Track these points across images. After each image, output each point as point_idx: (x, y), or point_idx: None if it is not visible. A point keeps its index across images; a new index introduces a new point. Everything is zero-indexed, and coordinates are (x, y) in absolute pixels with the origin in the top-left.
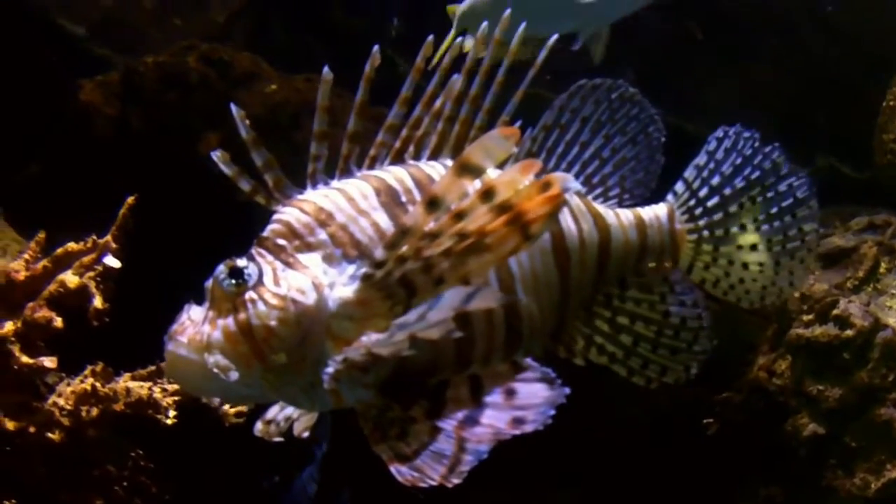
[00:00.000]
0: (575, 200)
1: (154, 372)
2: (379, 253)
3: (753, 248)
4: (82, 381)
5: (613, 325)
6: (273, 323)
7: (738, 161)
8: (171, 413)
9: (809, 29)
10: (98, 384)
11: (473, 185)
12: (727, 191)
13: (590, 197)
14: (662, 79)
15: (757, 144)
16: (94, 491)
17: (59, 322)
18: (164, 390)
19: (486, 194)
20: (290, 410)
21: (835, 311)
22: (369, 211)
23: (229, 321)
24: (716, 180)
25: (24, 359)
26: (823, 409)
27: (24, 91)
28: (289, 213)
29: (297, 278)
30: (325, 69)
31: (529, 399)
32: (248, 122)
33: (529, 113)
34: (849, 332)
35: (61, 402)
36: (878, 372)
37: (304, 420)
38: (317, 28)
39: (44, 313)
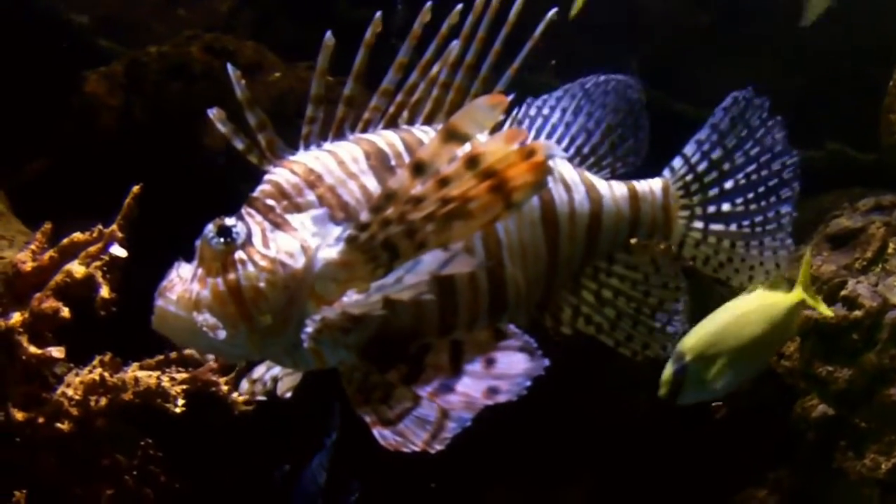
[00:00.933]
0: (568, 171)
1: (162, 361)
2: (364, 216)
3: (740, 226)
4: (90, 371)
5: (599, 298)
6: (261, 285)
7: (744, 133)
8: (180, 402)
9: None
10: (106, 374)
11: (459, 152)
12: (726, 166)
13: (582, 167)
14: (671, 67)
15: (765, 115)
16: (103, 481)
17: (66, 312)
18: (173, 379)
19: (472, 161)
20: (277, 370)
21: (843, 292)
22: (358, 174)
23: (218, 281)
24: (717, 154)
25: (32, 349)
26: (833, 391)
27: (29, 84)
28: (279, 174)
29: (286, 241)
30: (328, 34)
31: (508, 369)
32: (243, 81)
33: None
34: (857, 313)
35: (70, 392)
36: (887, 353)
37: (287, 380)
38: (321, 18)
39: (51, 304)
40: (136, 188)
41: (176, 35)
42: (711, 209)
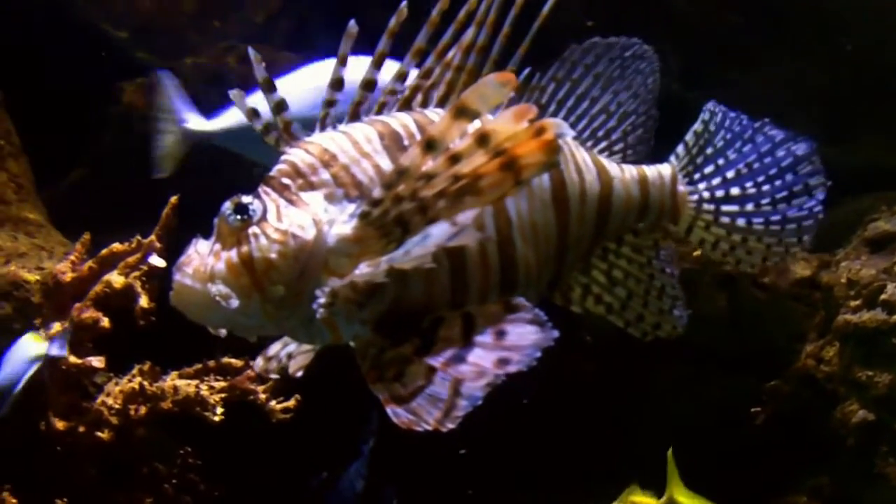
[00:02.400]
0: (581, 154)
1: (201, 370)
2: (376, 192)
3: (757, 206)
4: (130, 381)
5: (609, 277)
6: (273, 256)
7: (728, 136)
8: (219, 410)
9: (851, 15)
10: (146, 383)
11: (469, 129)
12: (720, 160)
13: (595, 150)
14: (704, 64)
15: (744, 122)
16: (143, 489)
17: (105, 322)
18: (212, 388)
19: (482, 138)
20: (292, 347)
21: (882, 296)
22: (372, 154)
23: (232, 253)
24: (709, 150)
25: (73, 359)
26: (873, 396)
27: (68, 95)
28: (295, 154)
29: (298, 215)
30: (351, 22)
31: (518, 340)
32: (264, 64)
33: None
34: None
35: (110, 401)
36: None
37: (299, 359)
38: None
39: (91, 314)
40: (174, 199)
41: (212, 46)
42: (720, 193)
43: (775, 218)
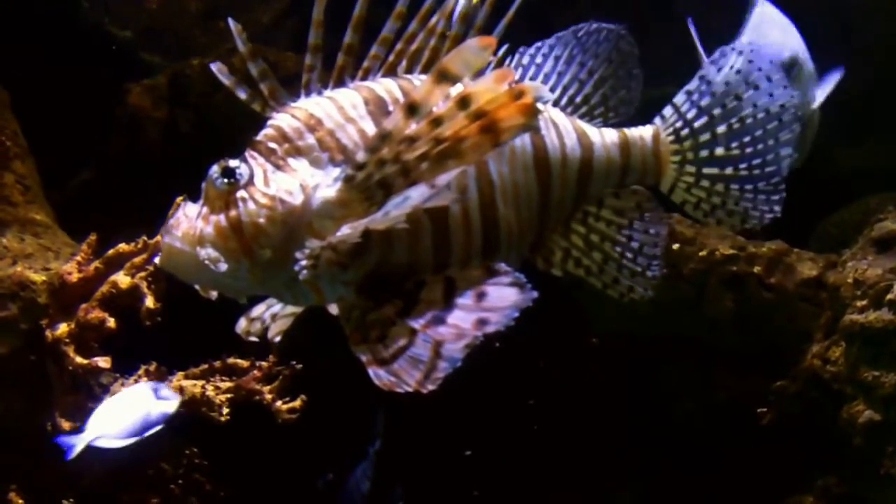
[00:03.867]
0: (560, 118)
1: (207, 370)
2: (360, 155)
3: (736, 169)
4: (136, 381)
5: (587, 241)
6: (261, 220)
7: (734, 79)
8: (225, 411)
9: (863, 16)
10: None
11: (451, 93)
12: (717, 111)
13: (575, 115)
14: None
15: (754, 61)
16: (150, 490)
17: (112, 322)
18: (217, 388)
19: (463, 101)
20: (276, 308)
21: (889, 296)
22: (357, 119)
23: (221, 217)
24: (706, 101)
25: (79, 359)
26: (879, 396)
27: (74, 97)
28: (281, 119)
29: (285, 180)
30: None
31: (498, 302)
32: (245, 35)
33: None
34: None
35: None
36: None
37: (279, 323)
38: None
39: (97, 314)
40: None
41: (218, 47)
42: (704, 153)
43: (749, 186)
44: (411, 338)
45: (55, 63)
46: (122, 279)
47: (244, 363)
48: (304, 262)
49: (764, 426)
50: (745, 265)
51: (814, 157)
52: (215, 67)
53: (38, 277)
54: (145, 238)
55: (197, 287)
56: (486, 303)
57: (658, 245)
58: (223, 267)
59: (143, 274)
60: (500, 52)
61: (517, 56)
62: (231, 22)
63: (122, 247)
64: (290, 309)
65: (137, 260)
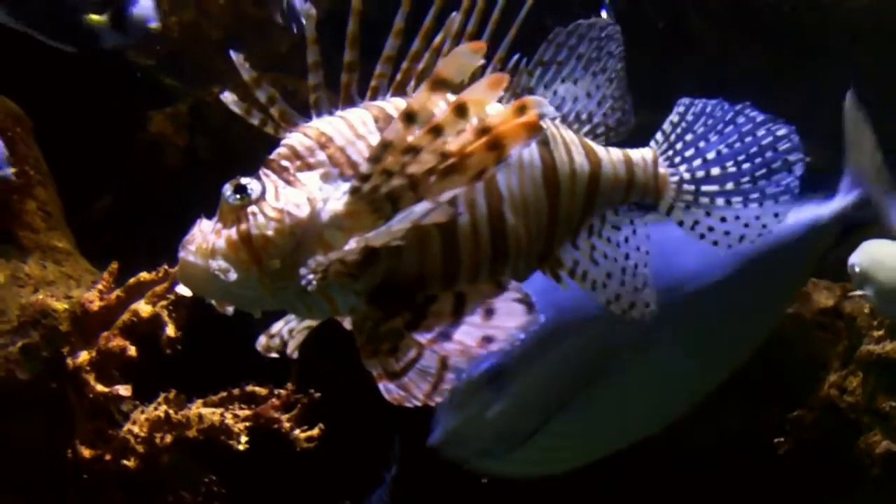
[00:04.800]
0: (569, 135)
1: (226, 398)
2: (364, 166)
3: (737, 184)
4: (156, 409)
5: (592, 256)
6: (270, 232)
7: (710, 122)
8: (243, 439)
9: (872, 33)
10: (171, 411)
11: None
12: (701, 143)
13: (580, 133)
14: (721, 84)
15: (725, 107)
16: None
17: (132, 350)
18: (236, 416)
19: (459, 108)
20: (294, 324)
21: None
22: (366, 135)
23: (232, 231)
24: (689, 137)
25: (100, 387)
26: None
27: (95, 123)
28: (293, 138)
29: (294, 194)
30: (307, 4)
31: (504, 321)
32: (248, 64)
33: None
34: None
35: (136, 429)
36: None
37: (297, 338)
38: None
39: (118, 342)
40: None
41: (237, 74)
42: (700, 174)
43: (754, 196)
44: (420, 349)
45: (77, 89)
46: (143, 308)
47: (263, 391)
48: (309, 276)
49: (781, 455)
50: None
51: (829, 181)
52: (225, 97)
53: (60, 305)
54: (166, 267)
55: (213, 302)
56: (493, 321)
57: (648, 265)
58: (233, 276)
59: (164, 303)
60: (512, 62)
61: (539, 51)
62: (233, 53)
63: (144, 275)
64: (307, 323)
65: (158, 289)
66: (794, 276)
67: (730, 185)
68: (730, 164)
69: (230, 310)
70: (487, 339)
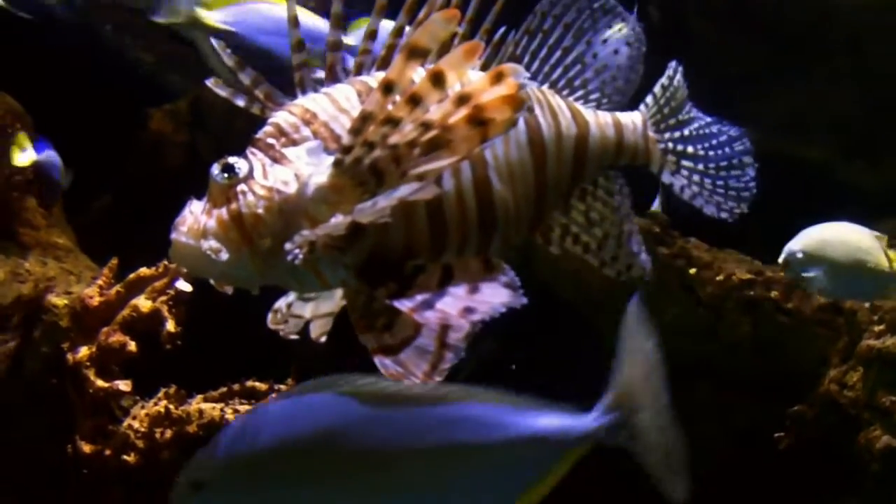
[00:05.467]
0: (556, 100)
1: (226, 393)
2: (345, 138)
3: (706, 168)
4: (156, 404)
5: (587, 217)
6: (259, 211)
7: (683, 94)
8: None
9: (873, 41)
10: (171, 406)
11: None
12: (681, 116)
13: (571, 98)
14: (720, 90)
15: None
16: None
17: (132, 346)
18: (237, 411)
19: (435, 76)
20: (292, 298)
21: None
22: (350, 109)
23: (222, 211)
24: (673, 104)
25: (100, 383)
26: None
27: (96, 121)
28: (279, 116)
29: (281, 171)
30: None
31: (489, 297)
32: (229, 50)
33: None
34: None
35: (136, 424)
36: None
37: (319, 324)
38: None
39: (118, 338)
40: None
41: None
42: (680, 147)
43: (720, 182)
44: (418, 327)
45: (78, 87)
46: (143, 303)
47: (263, 386)
48: (295, 251)
49: (781, 451)
50: (763, 290)
51: (830, 179)
52: (209, 82)
53: (60, 301)
54: (166, 262)
55: (211, 281)
56: (477, 296)
57: (638, 231)
58: (224, 257)
59: (164, 298)
60: (498, 35)
61: (525, 22)
62: (213, 41)
63: (144, 271)
64: (327, 308)
65: (158, 284)
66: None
67: (701, 167)
68: (699, 147)
69: (229, 289)
70: (469, 310)
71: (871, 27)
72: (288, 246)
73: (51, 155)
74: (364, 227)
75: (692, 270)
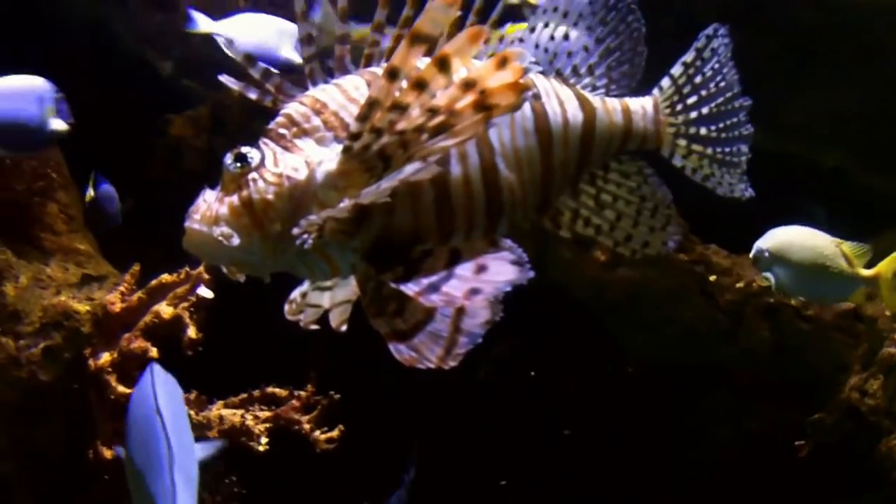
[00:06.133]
0: (562, 87)
1: (246, 399)
2: (353, 125)
3: (715, 152)
4: None
5: (598, 201)
6: (269, 196)
7: (717, 65)
8: (263, 440)
9: (889, 38)
10: (192, 412)
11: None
12: (703, 92)
13: (578, 86)
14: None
15: (730, 54)
16: None
17: (154, 352)
18: (257, 418)
19: (440, 61)
20: (306, 287)
21: None
22: (359, 98)
23: (234, 198)
24: (698, 79)
25: (121, 388)
26: None
27: (115, 127)
28: (290, 107)
29: (292, 158)
30: None
31: (495, 276)
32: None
33: None
34: None
35: None
36: None
37: (337, 312)
38: None
39: (139, 343)
40: None
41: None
42: (692, 130)
43: (724, 169)
44: (430, 312)
45: (97, 92)
46: (164, 309)
47: (283, 392)
48: (304, 235)
49: (801, 458)
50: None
51: (848, 184)
52: (222, 77)
53: (82, 307)
54: (188, 269)
55: (223, 268)
56: (483, 276)
57: (671, 206)
58: (235, 241)
59: (185, 304)
60: (506, 28)
61: (533, 17)
62: (219, 37)
63: (165, 277)
64: (344, 295)
65: (180, 290)
66: None
67: (709, 151)
68: (713, 127)
69: (241, 277)
70: (474, 291)
71: (887, 28)
72: (296, 230)
73: (108, 189)
74: (371, 211)
75: (711, 277)
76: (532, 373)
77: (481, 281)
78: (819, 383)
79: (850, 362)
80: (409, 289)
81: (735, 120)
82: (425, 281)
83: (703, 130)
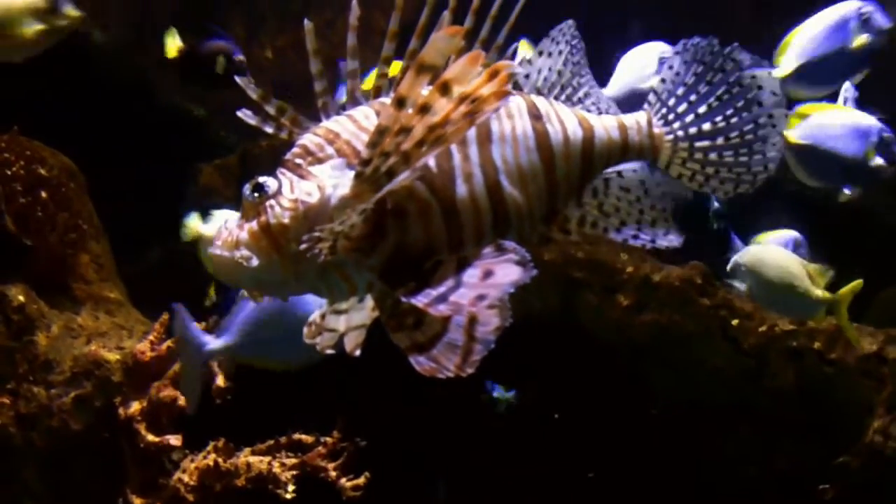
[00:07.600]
0: (562, 107)
1: (273, 446)
2: (364, 152)
3: (727, 139)
4: (205, 457)
5: (602, 209)
6: (286, 220)
7: (699, 69)
8: (290, 487)
9: None
10: (220, 460)
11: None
12: (692, 97)
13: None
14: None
15: (715, 50)
16: None
17: (182, 401)
18: (283, 465)
19: (443, 86)
20: (325, 309)
21: None
22: (369, 127)
23: (253, 223)
24: (680, 90)
25: (151, 437)
26: None
27: (147, 177)
28: (305, 138)
29: (306, 185)
30: (305, 21)
31: (500, 279)
32: (253, 83)
33: None
34: None
35: (186, 478)
36: None
37: (352, 336)
38: None
39: (169, 392)
40: None
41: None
42: (693, 130)
43: (743, 150)
44: (445, 324)
45: (129, 142)
46: None
47: (309, 439)
48: (314, 247)
49: (827, 501)
50: (806, 340)
51: (872, 221)
52: (241, 113)
53: (113, 356)
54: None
55: (244, 291)
56: (490, 280)
57: (669, 218)
58: (255, 263)
59: None
60: (510, 50)
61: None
62: (238, 78)
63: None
64: (359, 320)
65: None
66: None
67: (720, 141)
68: (719, 118)
69: (262, 299)
70: (480, 298)
71: None
72: (304, 245)
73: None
74: (384, 229)
75: (734, 321)
76: (556, 415)
77: (487, 286)
78: (844, 426)
79: (874, 405)
80: (419, 301)
81: (735, 119)
82: (433, 292)
83: (706, 126)
